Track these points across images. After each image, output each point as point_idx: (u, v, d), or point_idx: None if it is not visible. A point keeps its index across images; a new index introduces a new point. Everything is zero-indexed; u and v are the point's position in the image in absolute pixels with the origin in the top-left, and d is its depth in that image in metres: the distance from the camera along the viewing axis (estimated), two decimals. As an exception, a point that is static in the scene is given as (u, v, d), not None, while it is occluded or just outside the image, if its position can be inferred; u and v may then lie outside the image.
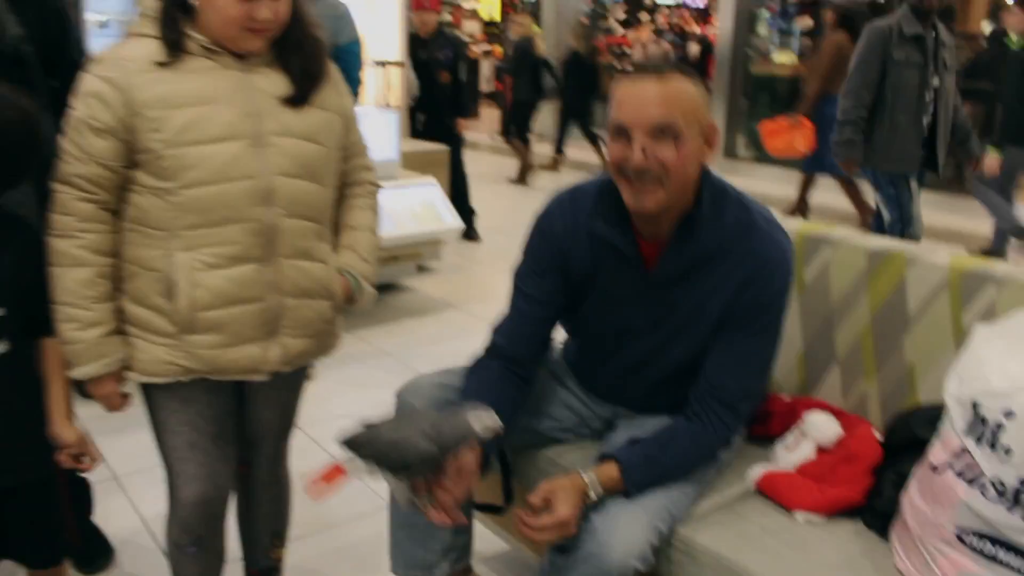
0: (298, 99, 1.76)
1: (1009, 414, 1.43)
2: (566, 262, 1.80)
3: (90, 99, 1.63)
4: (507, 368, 1.83)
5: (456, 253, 5.80)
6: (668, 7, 18.04)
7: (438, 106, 6.07)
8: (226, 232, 1.68)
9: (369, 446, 1.53)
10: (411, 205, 4.80)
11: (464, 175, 6.26)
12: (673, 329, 1.77)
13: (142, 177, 1.67)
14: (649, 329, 1.79)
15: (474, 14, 19.06)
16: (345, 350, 4.13)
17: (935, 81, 4.20)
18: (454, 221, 4.86)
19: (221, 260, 1.68)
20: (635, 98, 1.58)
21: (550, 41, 12.19)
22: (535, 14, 13.00)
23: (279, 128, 1.72)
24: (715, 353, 1.74)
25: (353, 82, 3.68)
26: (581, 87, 9.47)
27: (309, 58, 1.79)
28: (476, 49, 16.65)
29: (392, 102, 5.51)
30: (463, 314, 4.77)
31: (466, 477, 1.60)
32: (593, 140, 9.66)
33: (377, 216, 1.99)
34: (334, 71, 1.87)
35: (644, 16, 17.50)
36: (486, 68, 15.53)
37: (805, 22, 9.68)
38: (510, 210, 7.50)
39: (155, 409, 1.81)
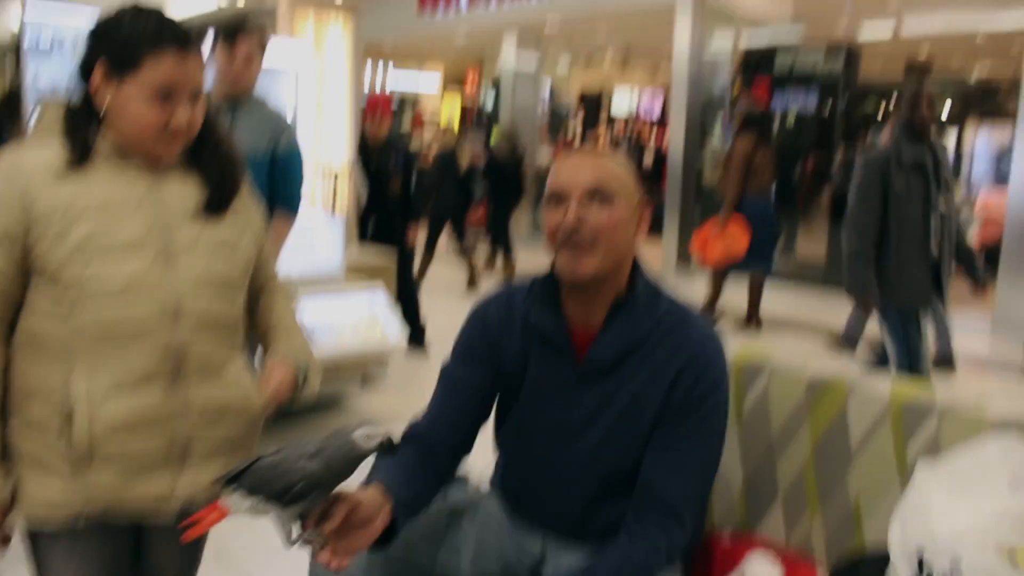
0: (215, 208, 1.68)
1: (956, 564, 1.33)
2: (497, 354, 1.74)
3: None
4: (420, 453, 1.69)
5: (404, 363, 5.65)
6: (624, 120, 18.50)
7: (388, 212, 6.01)
8: (130, 354, 1.56)
9: (249, 475, 1.38)
10: (354, 316, 4.67)
11: (411, 283, 6.17)
12: (607, 429, 1.66)
13: (36, 297, 1.56)
14: (581, 427, 1.68)
15: (434, 120, 19.38)
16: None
17: (941, 206, 3.95)
18: (398, 335, 4.73)
19: (123, 386, 1.56)
20: (570, 166, 1.64)
21: (508, 147, 12.35)
22: (492, 122, 13.20)
23: (189, 240, 1.63)
24: (652, 452, 1.64)
25: (295, 192, 3.60)
26: (501, 191, 9.52)
27: (226, 164, 1.71)
28: (433, 152, 16.82)
29: (339, 209, 5.44)
30: (407, 429, 4.58)
31: (367, 529, 1.45)
32: (505, 248, 9.57)
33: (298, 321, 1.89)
34: (246, 183, 1.79)
35: (601, 127, 17.92)
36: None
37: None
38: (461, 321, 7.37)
39: (41, 560, 1.65)
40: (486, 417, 1.80)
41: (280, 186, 3.53)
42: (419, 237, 6.21)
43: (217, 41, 3.40)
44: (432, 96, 19.44)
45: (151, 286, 1.58)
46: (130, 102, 1.55)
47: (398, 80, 18.67)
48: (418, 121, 19.11)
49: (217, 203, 1.69)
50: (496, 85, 14.76)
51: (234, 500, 1.38)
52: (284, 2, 5.45)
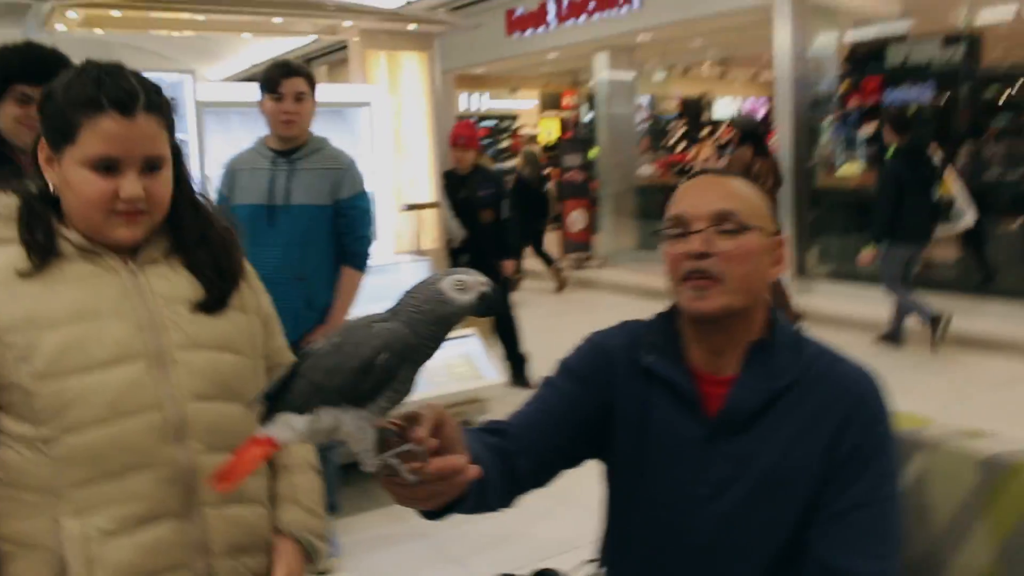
0: (214, 305, 1.39)
1: None
2: (609, 390, 1.52)
3: None
4: (502, 448, 1.43)
5: (507, 403, 5.33)
6: (726, 122, 17.91)
7: (480, 247, 5.75)
8: (129, 485, 1.29)
9: (309, 366, 1.08)
10: (448, 361, 4.41)
11: (512, 319, 5.87)
12: (746, 495, 1.40)
13: (9, 424, 1.30)
14: (712, 494, 1.42)
15: (533, 139, 19.21)
16: (372, 531, 3.75)
17: None
18: (496, 376, 4.44)
19: (126, 523, 1.29)
20: (694, 189, 1.49)
21: (608, 162, 12.01)
22: (590, 139, 12.86)
23: (185, 340, 1.35)
24: (825, 526, 1.37)
25: (362, 240, 3.39)
26: (527, 211, 9.37)
27: (219, 251, 1.43)
28: (536, 175, 16.63)
29: (428, 246, 5.21)
30: (509, 481, 4.26)
31: (454, 475, 1.09)
32: (547, 260, 10.37)
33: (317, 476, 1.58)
34: (247, 264, 1.50)
35: (704, 132, 17.35)
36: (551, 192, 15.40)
37: (868, 129, 9.25)
38: (571, 346, 7.03)
39: None
40: (578, 447, 1.54)
41: (346, 239, 3.34)
42: (513, 267, 5.91)
43: (262, 93, 3.23)
44: (531, 117, 19.26)
45: (145, 400, 1.31)
46: (72, 177, 1.30)
47: (493, 107, 18.58)
48: (516, 145, 18.94)
49: (219, 297, 1.42)
50: (591, 100, 14.41)
51: (283, 422, 1.07)
52: (355, 45, 5.26)
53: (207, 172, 4.20)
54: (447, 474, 1.07)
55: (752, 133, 7.13)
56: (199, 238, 1.42)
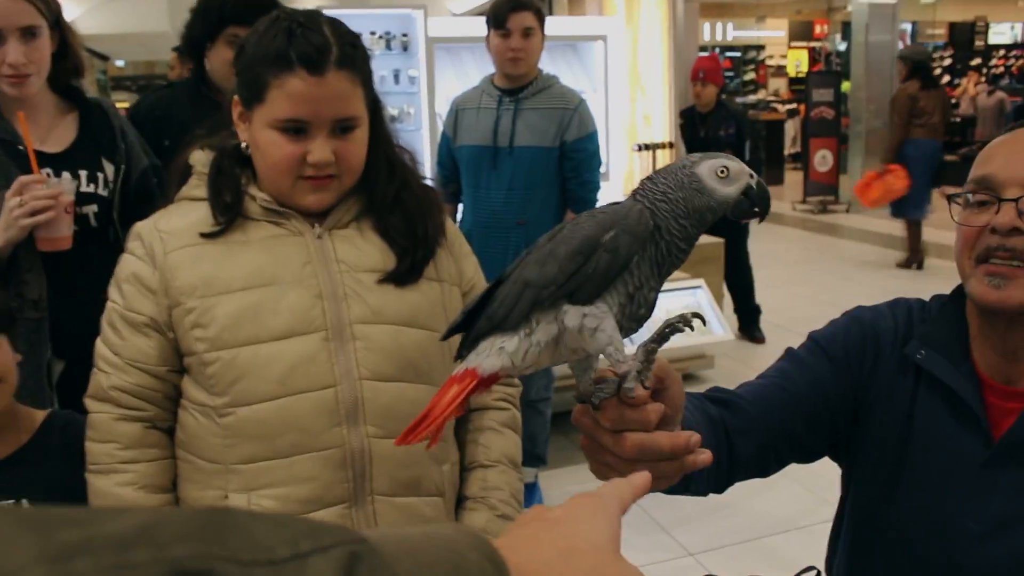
0: (404, 276, 1.27)
1: None
2: (868, 382, 1.26)
3: (125, 285, 1.26)
4: (728, 424, 1.21)
5: (734, 358, 5.03)
6: (1004, 47, 16.02)
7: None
8: (297, 465, 1.22)
9: (511, 279, 0.87)
10: (675, 312, 4.16)
11: (748, 267, 5.52)
12: None
13: (189, 389, 1.27)
14: (989, 532, 1.15)
15: (780, 70, 18.15)
16: (577, 485, 3.62)
17: None
18: (724, 332, 4.16)
19: (290, 505, 1.21)
20: (1011, 146, 1.17)
21: (858, 98, 11.08)
22: (843, 70, 11.91)
23: (367, 313, 1.25)
24: None
25: (587, 185, 3.20)
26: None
27: (415, 215, 1.29)
28: (781, 108, 15.73)
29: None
30: (733, 444, 4.00)
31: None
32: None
33: (518, 435, 1.42)
34: (450, 226, 1.35)
35: (974, 61, 15.62)
36: (791, 129, 14.52)
37: None
38: (809, 300, 6.57)
39: None
40: (815, 439, 1.29)
41: (571, 183, 3.17)
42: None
43: (488, 29, 3.10)
44: (779, 47, 18.18)
45: (318, 376, 1.22)
46: (260, 138, 1.22)
47: (739, 37, 17.66)
48: (763, 76, 17.97)
49: (411, 268, 1.29)
50: (846, 28, 13.31)
51: (486, 348, 0.86)
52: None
53: (437, 110, 4.16)
54: (679, 452, 0.87)
55: (920, 65, 7.19)
56: (394, 201, 1.31)
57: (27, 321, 1.85)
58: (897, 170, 7.08)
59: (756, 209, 0.91)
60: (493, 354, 0.85)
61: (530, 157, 3.12)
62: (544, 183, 3.16)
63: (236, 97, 1.25)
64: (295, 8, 1.25)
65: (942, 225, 7.18)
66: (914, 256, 7.60)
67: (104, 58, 20.96)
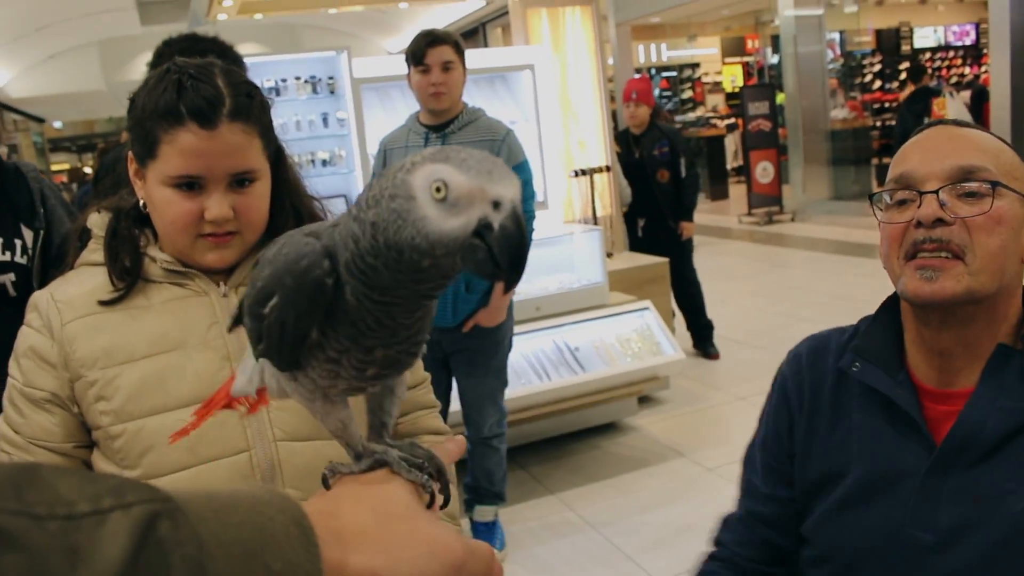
0: None
1: None
2: (803, 402, 1.29)
3: (24, 360, 1.19)
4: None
5: (689, 376, 5.01)
6: (930, 50, 16.42)
7: (658, 209, 5.41)
8: None
9: None
10: (622, 336, 4.15)
11: (696, 284, 5.52)
12: (991, 545, 1.08)
13: (99, 463, 1.20)
14: (941, 542, 1.11)
15: (716, 87, 18.41)
16: (538, 520, 3.57)
17: None
18: (675, 352, 4.13)
19: None
20: (925, 143, 1.17)
21: (793, 108, 11.26)
22: (777, 81, 12.10)
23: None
24: None
25: (525, 214, 3.11)
26: None
27: None
28: (720, 124, 15.93)
29: (602, 213, 4.93)
30: (692, 465, 3.96)
31: None
32: None
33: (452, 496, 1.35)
34: None
35: (903, 65, 15.99)
36: (731, 143, 14.71)
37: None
38: (761, 312, 6.59)
39: None
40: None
41: None
42: (693, 230, 5.54)
43: (409, 66, 3.05)
44: (713, 64, 18.45)
45: (230, 442, 1.15)
46: (155, 196, 1.15)
47: (673, 57, 17.90)
48: (700, 94, 18.20)
49: None
50: (776, 42, 13.56)
51: (243, 365, 0.79)
52: (514, 5, 5.01)
53: (369, 151, 4.11)
54: None
55: None
56: None
57: None
58: None
59: (496, 264, 0.59)
60: (243, 376, 0.79)
61: None
62: None
63: (130, 154, 1.19)
64: (189, 60, 1.19)
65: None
66: None
67: (39, 120, 20.67)
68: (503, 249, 0.59)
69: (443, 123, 3.09)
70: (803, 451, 1.28)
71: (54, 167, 21.28)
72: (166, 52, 2.21)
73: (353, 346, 0.65)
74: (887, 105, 14.02)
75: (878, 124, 13.30)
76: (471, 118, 3.12)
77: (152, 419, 1.14)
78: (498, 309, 3.15)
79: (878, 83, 15.51)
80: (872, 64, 15.80)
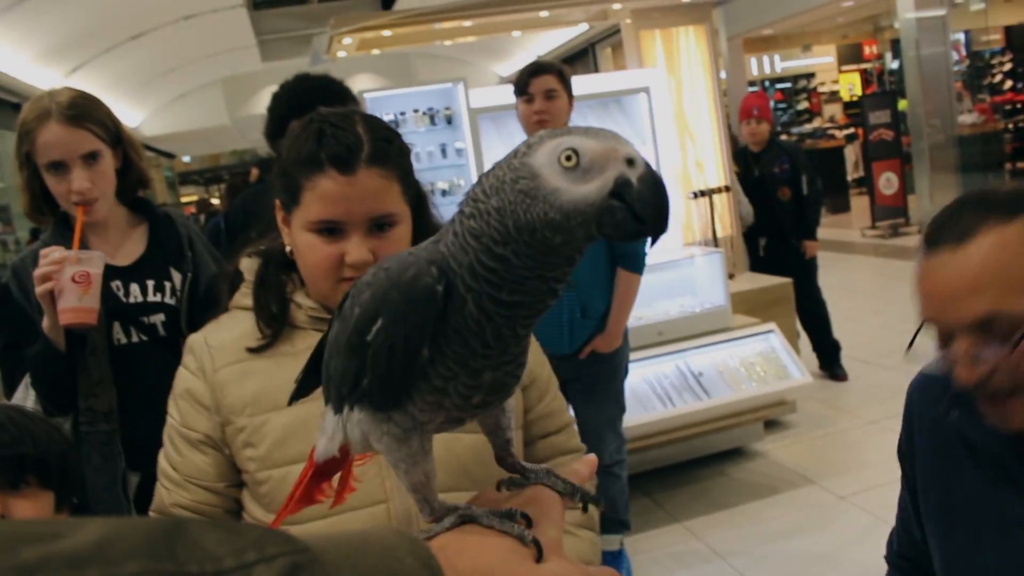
0: None
1: None
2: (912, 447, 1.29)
3: (181, 401, 1.25)
4: None
5: (817, 399, 4.85)
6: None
7: (780, 228, 5.28)
8: None
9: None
10: (747, 360, 4.06)
11: (821, 303, 5.36)
12: None
13: (248, 504, 1.24)
14: None
15: (833, 96, 17.88)
16: (664, 548, 3.52)
17: None
18: (802, 375, 4.01)
19: None
20: (935, 285, 1.06)
21: (916, 115, 10.82)
22: (898, 89, 11.67)
23: None
24: None
25: (635, 246, 3.12)
26: None
27: None
28: (838, 134, 15.46)
29: (723, 233, 4.85)
30: (823, 492, 3.83)
31: None
32: None
33: (596, 532, 1.35)
34: None
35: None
36: (851, 154, 14.24)
37: None
38: (889, 330, 6.34)
39: None
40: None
41: None
42: (817, 248, 5.38)
43: (516, 96, 3.14)
44: (829, 73, 17.94)
45: (369, 492, 1.17)
46: (299, 241, 1.19)
47: (787, 67, 17.50)
48: (816, 104, 17.72)
49: None
50: (896, 46, 13.08)
51: (324, 423, 0.79)
52: (627, 27, 5.00)
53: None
54: None
55: None
56: None
57: (99, 434, 1.86)
58: None
59: (638, 219, 0.59)
60: (321, 434, 0.77)
61: None
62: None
63: (277, 201, 1.24)
64: (331, 109, 1.23)
65: None
66: None
67: (170, 156, 21.76)
68: (648, 200, 0.58)
69: None
70: (922, 486, 1.27)
71: (183, 199, 22.33)
72: (281, 94, 2.32)
73: (461, 371, 0.63)
74: (1020, 106, 13.34)
75: (1010, 127, 12.67)
76: None
77: (296, 467, 1.16)
78: (614, 334, 3.15)
79: (1009, 83, 14.77)
80: (1002, 63, 15.06)
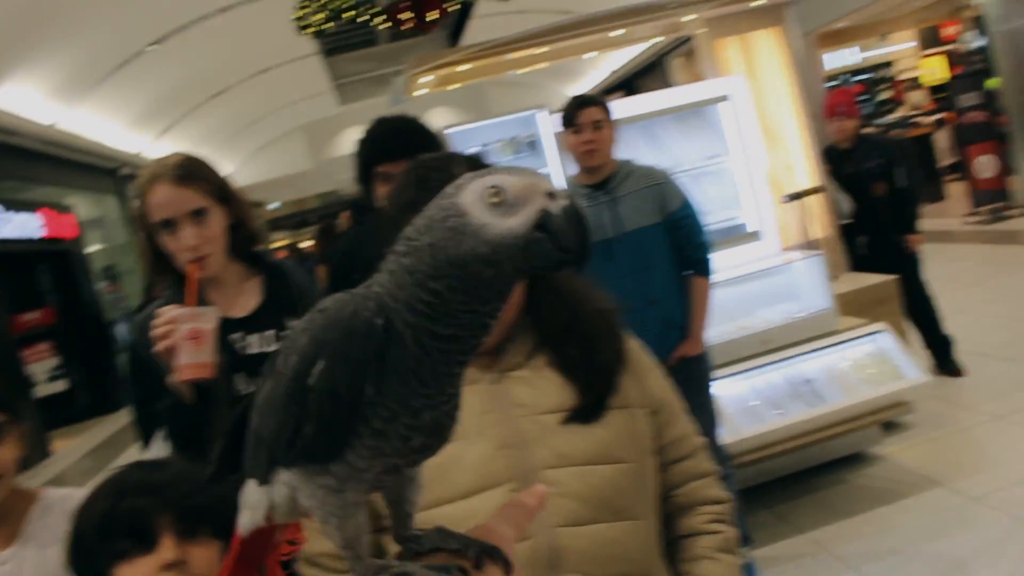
0: (589, 412, 1.21)
1: None
2: None
3: None
4: None
5: (936, 398, 4.67)
6: None
7: (879, 225, 5.14)
8: None
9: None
10: (858, 362, 3.94)
11: (928, 297, 5.17)
12: None
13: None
14: None
15: (914, 82, 17.35)
16: (791, 561, 3.42)
17: None
18: (918, 374, 3.87)
19: None
20: None
21: (1011, 91, 10.40)
22: (985, 71, 11.24)
23: (554, 458, 1.18)
24: None
25: (701, 247, 3.27)
26: None
27: (592, 342, 1.24)
28: (925, 121, 14.96)
29: (819, 235, 4.73)
30: (953, 495, 3.67)
31: None
32: None
33: (736, 557, 1.32)
34: (630, 345, 1.29)
35: None
36: (941, 140, 13.76)
37: None
38: (1005, 319, 6.08)
39: None
40: None
41: (686, 249, 3.25)
42: (920, 241, 5.20)
43: (564, 128, 3.29)
44: (910, 59, 17.43)
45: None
46: None
47: (868, 59, 17.06)
48: (899, 93, 17.21)
49: (591, 409, 1.22)
50: (980, 23, 12.62)
51: (244, 496, 0.75)
52: (701, 37, 4.95)
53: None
54: None
55: None
56: (565, 329, 1.25)
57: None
58: None
59: (562, 248, 0.61)
60: (245, 508, 0.74)
61: (642, 238, 3.20)
62: (661, 258, 3.23)
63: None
64: (432, 155, 1.25)
65: None
66: None
67: (259, 205, 22.39)
68: (569, 231, 0.61)
69: (603, 180, 3.26)
70: None
71: (273, 244, 22.95)
72: (365, 139, 2.39)
73: (402, 410, 0.63)
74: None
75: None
76: (628, 169, 3.29)
77: (436, 510, 1.17)
78: (697, 337, 3.25)
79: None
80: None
